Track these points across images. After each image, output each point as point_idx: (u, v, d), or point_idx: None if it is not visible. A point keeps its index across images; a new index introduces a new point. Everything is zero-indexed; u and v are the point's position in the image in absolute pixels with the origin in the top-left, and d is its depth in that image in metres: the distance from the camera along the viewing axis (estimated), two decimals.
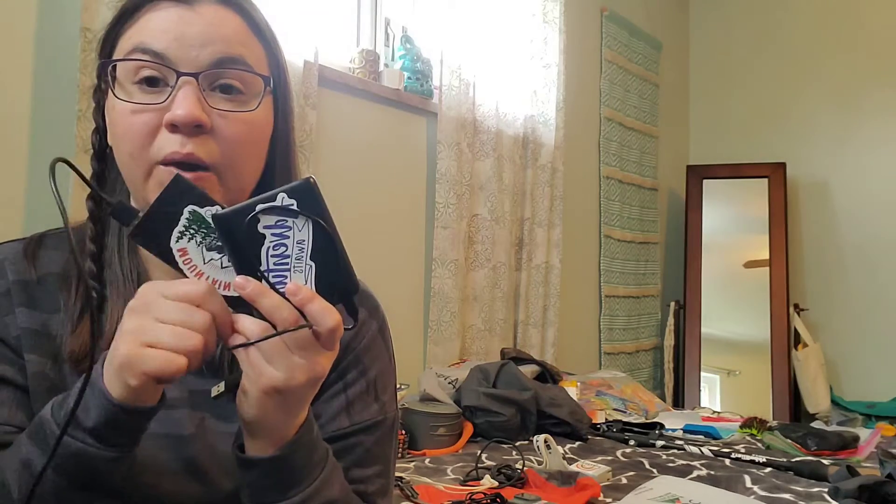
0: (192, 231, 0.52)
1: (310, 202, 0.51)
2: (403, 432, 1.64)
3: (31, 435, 0.55)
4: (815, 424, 2.38)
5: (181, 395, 0.66)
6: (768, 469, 1.59)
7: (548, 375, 2.25)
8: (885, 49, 3.42)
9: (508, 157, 2.50)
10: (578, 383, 2.27)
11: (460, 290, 2.29)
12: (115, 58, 0.64)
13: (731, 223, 3.62)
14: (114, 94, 0.62)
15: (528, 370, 2.15)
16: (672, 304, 3.52)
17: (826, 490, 1.39)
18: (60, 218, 0.50)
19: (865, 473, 1.43)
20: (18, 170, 1.38)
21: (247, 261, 0.51)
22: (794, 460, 1.65)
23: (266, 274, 0.51)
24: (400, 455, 1.60)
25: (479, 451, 1.55)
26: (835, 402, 3.26)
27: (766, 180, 3.48)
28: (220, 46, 0.63)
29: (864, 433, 1.99)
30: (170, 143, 0.60)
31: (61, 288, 0.66)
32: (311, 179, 0.52)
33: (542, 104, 2.67)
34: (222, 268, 0.52)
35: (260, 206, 0.50)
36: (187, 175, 0.58)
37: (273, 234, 0.51)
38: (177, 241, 0.52)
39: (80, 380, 0.52)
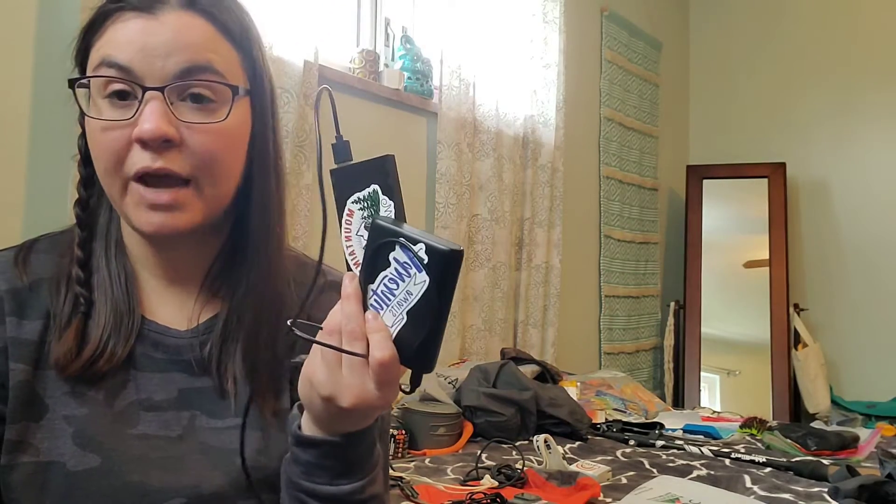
0: (365, 203, 0.55)
1: (441, 268, 0.50)
2: (403, 432, 1.63)
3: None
4: (815, 424, 2.38)
5: (169, 397, 0.67)
6: (768, 469, 1.59)
7: (548, 375, 2.24)
8: (884, 49, 3.42)
9: (508, 157, 2.50)
10: (578, 383, 2.27)
11: (460, 290, 2.29)
12: (87, 69, 0.65)
13: (731, 223, 3.62)
14: (83, 112, 0.63)
15: (528, 370, 2.15)
16: (672, 304, 3.52)
17: (826, 490, 1.39)
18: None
19: (865, 473, 1.43)
20: (18, 172, 1.38)
21: (369, 270, 0.53)
22: (794, 460, 1.65)
23: (371, 293, 0.53)
24: (400, 455, 1.60)
25: (479, 451, 1.55)
26: (835, 402, 3.26)
27: (765, 180, 3.48)
28: (186, 55, 0.62)
29: (864, 433, 1.99)
30: (141, 159, 0.61)
31: (51, 292, 0.66)
32: (460, 251, 0.51)
33: (542, 104, 2.67)
34: (363, 247, 0.55)
35: (402, 240, 0.51)
36: (162, 191, 0.61)
37: (395, 269, 0.52)
38: (353, 203, 0.56)
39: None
